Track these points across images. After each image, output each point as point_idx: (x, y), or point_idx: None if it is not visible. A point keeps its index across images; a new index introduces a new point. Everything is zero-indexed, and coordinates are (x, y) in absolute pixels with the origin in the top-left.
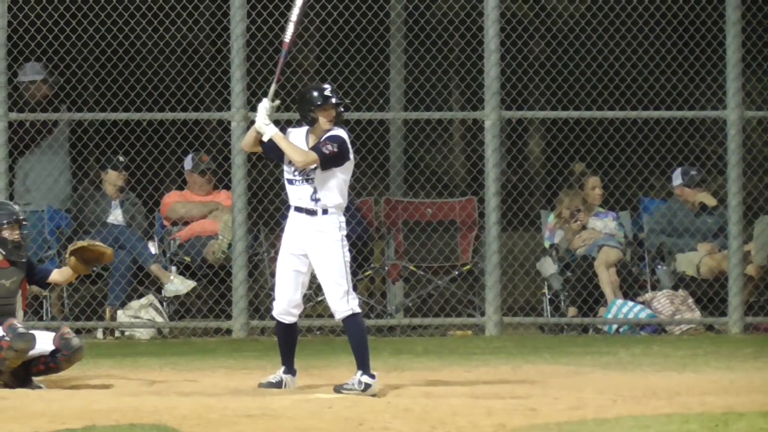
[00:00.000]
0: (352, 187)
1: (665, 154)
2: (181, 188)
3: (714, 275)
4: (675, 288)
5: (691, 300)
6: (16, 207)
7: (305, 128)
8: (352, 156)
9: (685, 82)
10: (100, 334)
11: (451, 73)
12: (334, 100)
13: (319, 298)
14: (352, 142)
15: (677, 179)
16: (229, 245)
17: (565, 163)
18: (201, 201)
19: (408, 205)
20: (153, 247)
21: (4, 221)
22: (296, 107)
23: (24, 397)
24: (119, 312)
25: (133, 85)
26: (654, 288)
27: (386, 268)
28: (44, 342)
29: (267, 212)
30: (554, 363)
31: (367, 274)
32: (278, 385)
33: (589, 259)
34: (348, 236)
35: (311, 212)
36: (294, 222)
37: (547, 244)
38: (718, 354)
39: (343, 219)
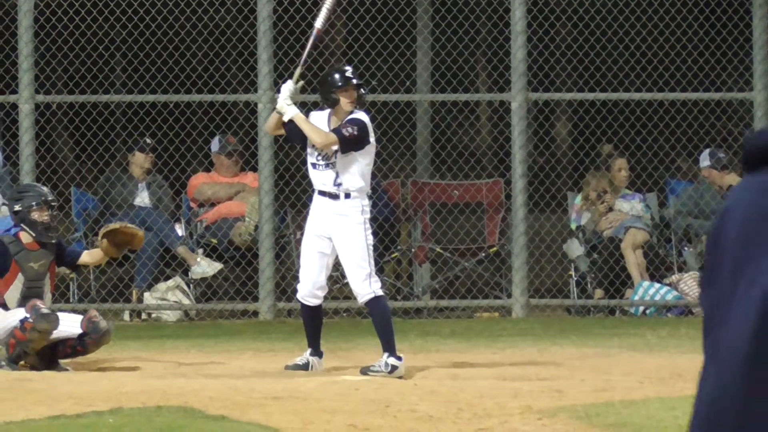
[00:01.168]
0: (378, 169)
1: (692, 135)
2: (208, 170)
3: None
4: (702, 269)
5: None
6: (45, 188)
7: (327, 111)
8: (373, 140)
9: (712, 63)
10: (126, 316)
11: (478, 55)
12: (355, 81)
13: (346, 280)
14: (377, 125)
15: (705, 161)
16: (256, 227)
17: (592, 145)
18: (228, 183)
19: (435, 187)
20: (180, 229)
21: (33, 203)
22: (318, 89)
23: (51, 379)
24: (146, 294)
25: (160, 67)
26: (681, 270)
27: (413, 250)
28: (72, 325)
29: (294, 194)
30: (581, 345)
31: (393, 256)
32: (305, 367)
33: (616, 240)
34: (374, 218)
35: (334, 196)
36: (318, 205)
37: (573, 226)
38: None
39: (366, 202)
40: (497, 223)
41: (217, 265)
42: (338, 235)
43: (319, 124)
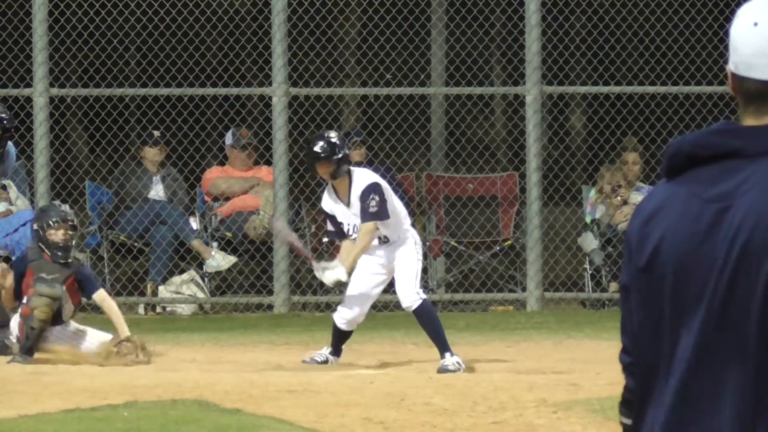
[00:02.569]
0: (393, 163)
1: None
2: (222, 164)
3: None
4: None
5: None
6: (65, 208)
7: (329, 186)
8: (383, 182)
9: (726, 56)
10: (141, 309)
11: (493, 48)
12: (323, 156)
13: None
14: (392, 118)
15: None
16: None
17: (606, 138)
18: (242, 176)
19: (449, 180)
20: (194, 223)
21: (51, 221)
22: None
23: (66, 372)
24: (161, 287)
25: (174, 60)
26: None
27: (428, 243)
28: (92, 344)
29: (308, 187)
30: (596, 338)
31: None
32: (323, 363)
33: None
34: None
35: (384, 241)
36: (374, 249)
37: (588, 219)
38: None
39: (414, 233)
40: (512, 217)
41: (232, 259)
42: (393, 259)
43: (332, 205)
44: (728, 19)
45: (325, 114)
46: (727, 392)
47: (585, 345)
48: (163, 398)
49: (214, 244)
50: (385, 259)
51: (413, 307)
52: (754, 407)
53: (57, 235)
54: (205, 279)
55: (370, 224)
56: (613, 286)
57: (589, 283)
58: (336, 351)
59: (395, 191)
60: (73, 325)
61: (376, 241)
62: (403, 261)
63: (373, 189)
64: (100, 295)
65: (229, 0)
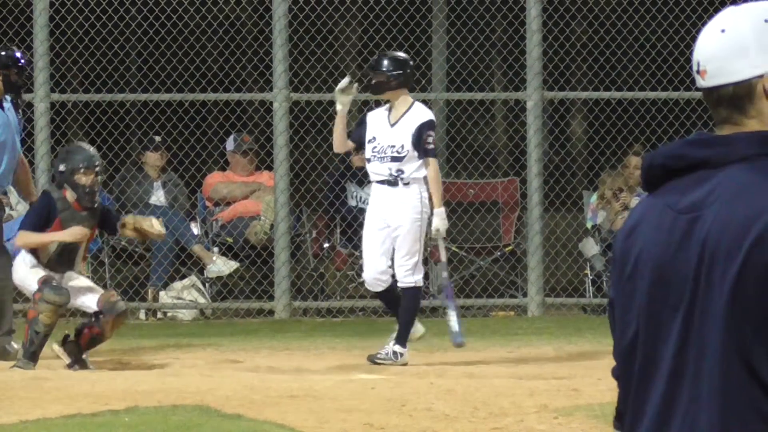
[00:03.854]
0: None
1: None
2: (223, 169)
3: None
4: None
5: None
6: (93, 151)
7: (385, 107)
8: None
9: None
10: (142, 315)
11: (494, 54)
12: (374, 66)
13: (361, 279)
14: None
15: None
16: (272, 226)
17: (607, 144)
18: (243, 181)
19: (450, 186)
20: (195, 228)
21: (79, 165)
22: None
23: (67, 378)
24: (161, 293)
25: (175, 66)
26: None
27: (428, 248)
28: (89, 299)
29: (309, 192)
30: (597, 343)
31: None
32: (388, 356)
33: None
34: None
35: (392, 184)
36: (377, 194)
37: (589, 225)
38: None
39: (424, 189)
40: (513, 222)
41: (233, 264)
42: (396, 222)
43: (377, 120)
44: None
45: (326, 119)
46: (702, 403)
47: (586, 350)
48: (164, 404)
49: (215, 249)
50: (385, 212)
51: (404, 286)
52: (723, 419)
53: (86, 179)
54: (206, 284)
55: (433, 159)
56: None
57: (590, 288)
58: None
59: None
60: (82, 280)
61: (384, 178)
62: (404, 233)
63: (431, 126)
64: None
65: (230, 5)
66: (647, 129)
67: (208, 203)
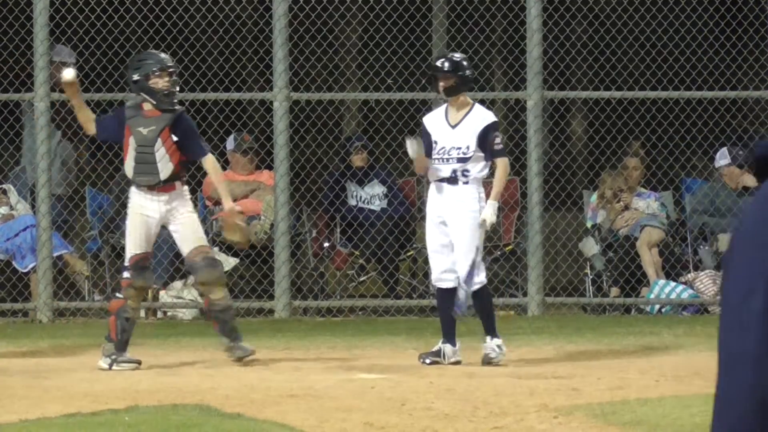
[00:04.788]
0: (394, 168)
1: (707, 134)
2: (223, 168)
3: None
4: (717, 268)
5: None
6: (164, 55)
7: (443, 107)
8: None
9: (728, 61)
10: (142, 314)
11: (494, 53)
12: (440, 69)
13: (361, 279)
14: (393, 123)
15: (723, 159)
16: (272, 225)
17: (607, 143)
18: (243, 181)
19: None
20: None
21: (153, 69)
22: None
23: (67, 377)
24: (162, 292)
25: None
26: (696, 268)
27: None
28: (186, 245)
29: (309, 192)
30: (597, 343)
31: (409, 254)
32: (437, 354)
33: (632, 239)
34: (390, 216)
35: (453, 182)
36: (434, 192)
37: (589, 224)
38: None
39: (482, 189)
40: (513, 222)
41: (233, 261)
42: (452, 219)
43: (436, 123)
44: (729, 25)
45: (326, 119)
46: None
47: (586, 350)
48: (164, 403)
49: (215, 248)
50: (443, 209)
51: (473, 289)
52: None
53: (162, 83)
54: None
55: (504, 159)
56: (614, 291)
57: (590, 288)
58: (449, 337)
59: (396, 196)
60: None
61: (444, 176)
62: (462, 232)
63: (496, 127)
64: (209, 162)
65: (231, 5)
66: (647, 129)
67: (208, 202)
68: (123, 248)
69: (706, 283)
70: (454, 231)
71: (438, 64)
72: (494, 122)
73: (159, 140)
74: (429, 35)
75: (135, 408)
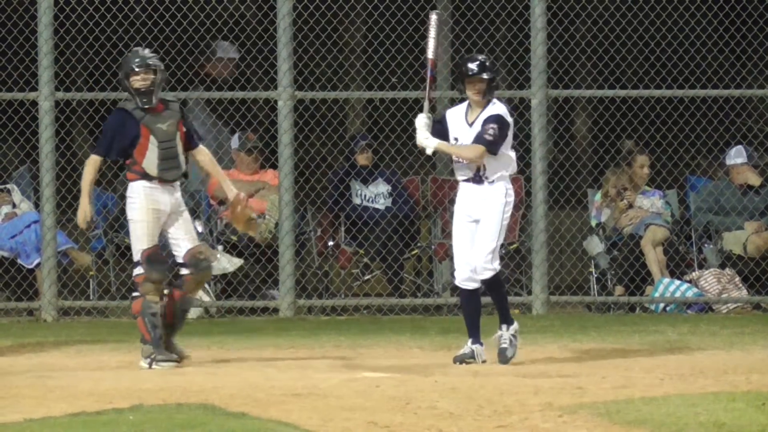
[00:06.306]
0: (398, 166)
1: (712, 132)
2: (228, 167)
3: (761, 253)
4: (722, 266)
5: (738, 278)
6: (146, 52)
7: (465, 104)
8: (511, 120)
9: (732, 60)
10: None
11: (498, 52)
12: (476, 72)
13: (366, 277)
14: (398, 122)
15: (739, 157)
16: (276, 224)
17: (612, 142)
18: (248, 180)
19: (454, 184)
20: (200, 226)
21: (131, 67)
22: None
23: (71, 376)
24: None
25: (180, 64)
26: (701, 267)
27: (433, 247)
28: (182, 248)
29: (314, 191)
30: (601, 342)
31: (413, 253)
32: (470, 355)
33: (636, 237)
34: (395, 215)
35: (478, 181)
36: (464, 191)
37: (593, 223)
38: (765, 332)
39: (510, 186)
40: (517, 220)
41: (237, 261)
42: (481, 216)
43: (456, 119)
44: (733, 23)
45: (330, 117)
46: None
47: (590, 348)
48: (168, 402)
49: (219, 247)
50: (471, 208)
51: (486, 278)
52: None
53: (139, 81)
54: (211, 283)
55: (481, 148)
56: (619, 289)
57: (595, 286)
58: (476, 338)
59: (400, 195)
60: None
61: (470, 176)
62: (487, 221)
63: (497, 120)
64: (202, 152)
65: (235, 4)
66: (651, 127)
67: (212, 201)
68: (128, 247)
69: (711, 281)
70: (481, 224)
71: (474, 68)
72: (495, 115)
73: (177, 133)
74: None
75: (139, 407)
